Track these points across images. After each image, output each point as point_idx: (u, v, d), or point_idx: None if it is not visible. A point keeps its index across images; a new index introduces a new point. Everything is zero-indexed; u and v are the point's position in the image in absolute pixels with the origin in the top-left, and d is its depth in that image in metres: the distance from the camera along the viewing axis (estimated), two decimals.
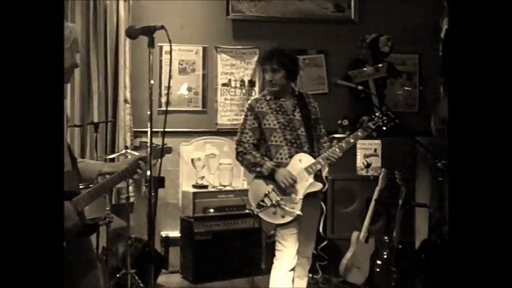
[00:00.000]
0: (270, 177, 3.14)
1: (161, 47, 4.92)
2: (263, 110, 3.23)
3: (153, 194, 2.50)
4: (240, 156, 3.23)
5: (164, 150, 2.38)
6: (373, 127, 3.24)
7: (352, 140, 3.19)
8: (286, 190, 3.12)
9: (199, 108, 5.19)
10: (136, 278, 3.91)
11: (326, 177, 3.51)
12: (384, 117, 3.27)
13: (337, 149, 3.15)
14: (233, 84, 5.23)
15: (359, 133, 3.21)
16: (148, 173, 2.33)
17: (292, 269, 3.20)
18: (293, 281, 3.26)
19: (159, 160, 2.42)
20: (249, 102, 3.34)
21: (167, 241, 4.92)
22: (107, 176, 2.37)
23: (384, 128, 3.32)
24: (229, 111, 5.22)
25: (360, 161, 4.75)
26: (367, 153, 4.75)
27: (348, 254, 4.40)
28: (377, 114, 3.32)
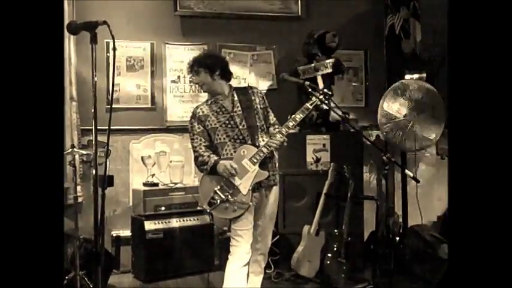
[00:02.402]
0: (216, 173, 3.17)
1: (107, 43, 4.83)
2: (204, 114, 3.33)
3: (101, 193, 2.46)
4: (195, 160, 3.33)
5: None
6: (310, 107, 3.30)
7: (291, 124, 3.23)
8: (234, 183, 3.15)
9: (149, 106, 5.13)
10: (86, 279, 3.83)
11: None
12: (321, 96, 3.33)
13: (278, 135, 3.20)
14: (182, 80, 5.19)
15: (297, 115, 3.26)
16: (93, 172, 2.30)
17: (246, 264, 3.22)
18: (248, 276, 3.28)
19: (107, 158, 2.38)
20: (192, 110, 3.44)
21: (118, 241, 4.84)
22: None
23: (325, 107, 3.39)
24: (178, 108, 5.19)
25: (309, 156, 4.82)
26: (317, 148, 4.83)
27: (300, 248, 4.47)
28: (314, 94, 3.36)
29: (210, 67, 3.33)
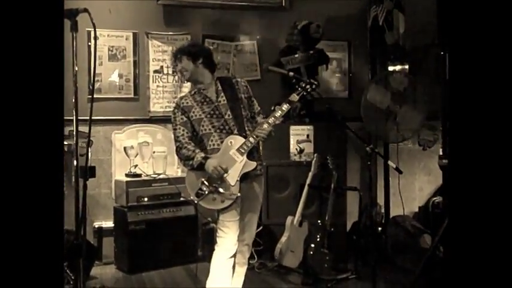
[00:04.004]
0: (202, 169, 3.14)
1: (89, 32, 4.76)
2: (188, 105, 3.29)
3: (83, 184, 2.44)
4: (177, 151, 3.27)
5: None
6: (297, 97, 3.28)
7: (278, 114, 3.19)
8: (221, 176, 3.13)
9: (131, 96, 5.08)
10: (67, 271, 3.80)
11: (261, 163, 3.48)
12: (307, 86, 3.30)
13: (265, 125, 3.17)
14: (165, 71, 5.15)
15: (284, 106, 3.23)
16: (74, 162, 2.28)
17: (233, 256, 3.21)
18: (233, 267, 3.28)
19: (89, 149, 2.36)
20: (175, 101, 3.43)
21: (100, 232, 4.81)
22: None
23: (309, 98, 3.37)
24: (161, 98, 5.15)
25: (293, 147, 4.83)
26: (300, 139, 4.83)
27: (283, 239, 4.49)
28: (300, 84, 3.34)
29: (192, 54, 3.31)
